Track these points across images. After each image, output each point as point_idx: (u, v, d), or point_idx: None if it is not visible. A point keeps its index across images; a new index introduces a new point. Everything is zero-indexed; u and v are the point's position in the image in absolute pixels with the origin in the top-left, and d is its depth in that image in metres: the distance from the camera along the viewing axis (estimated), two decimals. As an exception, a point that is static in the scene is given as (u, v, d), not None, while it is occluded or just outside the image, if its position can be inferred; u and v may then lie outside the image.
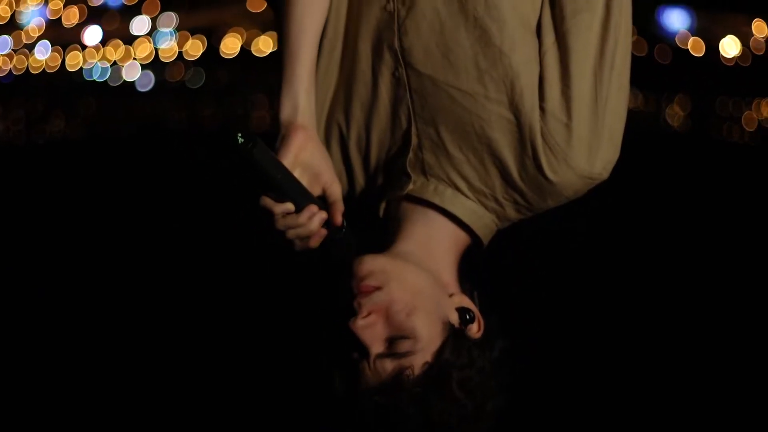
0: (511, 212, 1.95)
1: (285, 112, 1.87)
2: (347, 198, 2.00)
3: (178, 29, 32.91)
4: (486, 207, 1.94)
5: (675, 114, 25.33)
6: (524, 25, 1.84)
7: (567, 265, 7.30)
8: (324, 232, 1.89)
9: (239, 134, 1.79)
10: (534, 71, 1.85)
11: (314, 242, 1.87)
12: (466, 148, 1.88)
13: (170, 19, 33.25)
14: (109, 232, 8.64)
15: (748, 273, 7.07)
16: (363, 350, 1.80)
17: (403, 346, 1.79)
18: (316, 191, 1.86)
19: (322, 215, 1.87)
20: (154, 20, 33.28)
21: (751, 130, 21.95)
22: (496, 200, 1.93)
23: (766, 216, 9.28)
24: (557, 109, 1.85)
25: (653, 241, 8.36)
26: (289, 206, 1.85)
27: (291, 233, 1.86)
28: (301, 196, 1.85)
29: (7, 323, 5.89)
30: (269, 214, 1.85)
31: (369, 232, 1.95)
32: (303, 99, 1.82)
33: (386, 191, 1.96)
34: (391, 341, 1.81)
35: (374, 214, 1.98)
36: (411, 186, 1.93)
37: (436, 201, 1.93)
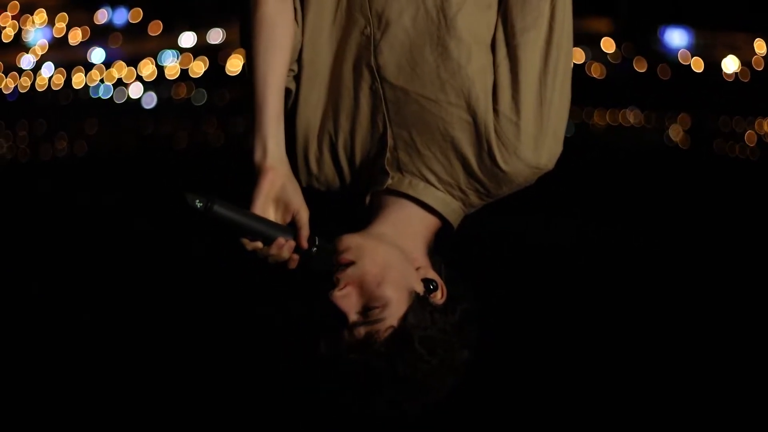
0: (475, 199, 2.23)
1: (256, 156, 2.15)
2: (339, 192, 2.30)
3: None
4: (453, 196, 2.23)
5: (677, 130, 25.46)
6: (479, 41, 2.18)
7: (566, 268, 7.44)
8: (296, 256, 2.12)
9: (197, 199, 2.02)
10: (488, 79, 2.16)
11: (292, 265, 2.14)
12: (434, 147, 2.20)
13: (218, 34, 33.49)
14: (111, 246, 8.75)
15: (748, 281, 7.18)
16: (342, 317, 2.08)
17: (375, 312, 2.07)
18: (287, 219, 2.12)
19: (290, 244, 2.10)
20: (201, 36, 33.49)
21: (752, 145, 22.08)
22: (461, 189, 2.22)
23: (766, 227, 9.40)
24: (508, 110, 2.15)
25: (657, 248, 8.47)
26: (260, 243, 2.10)
27: (270, 261, 2.14)
28: (268, 231, 2.08)
29: (10, 328, 6.00)
30: (246, 252, 2.13)
31: (358, 220, 2.20)
32: (271, 143, 2.14)
33: (370, 186, 2.25)
34: (365, 308, 2.08)
35: (361, 205, 2.25)
36: (390, 181, 2.21)
37: (411, 193, 2.21)
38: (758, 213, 10.46)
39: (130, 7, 33.92)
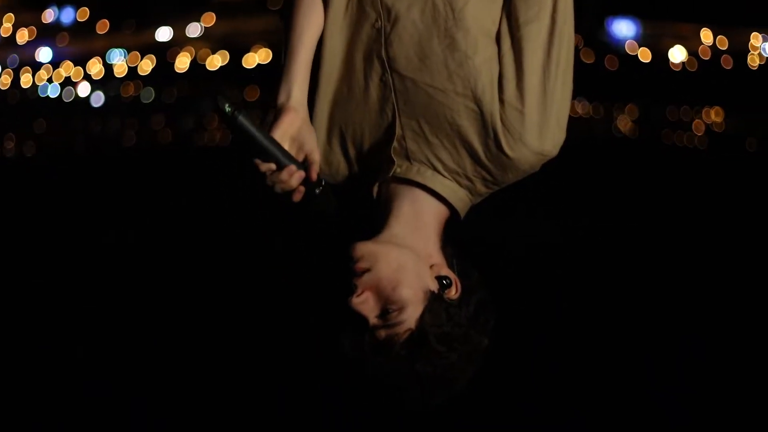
0: (481, 187, 2.36)
1: (280, 98, 2.29)
2: (348, 181, 2.42)
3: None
4: (460, 184, 2.35)
5: (625, 120, 25.61)
6: (485, 33, 2.30)
7: (513, 262, 7.55)
8: (303, 189, 2.25)
9: (227, 104, 2.15)
10: (493, 70, 2.27)
11: (297, 197, 2.26)
12: (441, 135, 2.31)
13: (196, 28, 33.29)
14: (66, 248, 8.72)
15: (696, 269, 7.28)
16: (362, 321, 2.20)
17: (393, 314, 2.19)
18: (300, 158, 2.26)
19: (300, 174, 2.24)
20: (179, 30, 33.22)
21: (700, 134, 22.27)
22: (468, 178, 2.34)
23: (717, 216, 9.52)
24: (513, 99, 2.26)
25: (604, 239, 8.57)
26: (273, 166, 2.22)
27: (276, 188, 2.26)
28: (282, 158, 2.22)
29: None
30: (258, 173, 2.24)
31: (365, 211, 2.34)
32: (296, 89, 2.29)
33: (378, 175, 2.37)
34: (383, 312, 2.20)
35: (369, 196, 2.38)
36: (397, 170, 2.35)
37: (419, 180, 2.32)
38: (707, 201, 10.58)
39: (77, 7, 33.67)
